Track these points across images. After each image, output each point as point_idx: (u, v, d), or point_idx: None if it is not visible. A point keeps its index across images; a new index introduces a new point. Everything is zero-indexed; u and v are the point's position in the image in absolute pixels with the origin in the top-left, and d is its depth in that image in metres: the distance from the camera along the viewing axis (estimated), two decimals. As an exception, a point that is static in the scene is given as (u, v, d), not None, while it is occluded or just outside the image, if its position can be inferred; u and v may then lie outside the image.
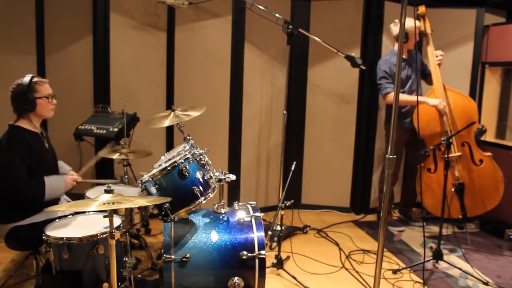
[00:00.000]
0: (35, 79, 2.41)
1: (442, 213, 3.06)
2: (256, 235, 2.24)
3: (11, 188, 2.28)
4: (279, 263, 3.02)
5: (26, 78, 2.39)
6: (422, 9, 3.63)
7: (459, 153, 3.53)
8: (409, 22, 3.56)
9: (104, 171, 3.65)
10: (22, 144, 2.33)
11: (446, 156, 3.03)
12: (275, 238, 3.30)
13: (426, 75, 3.85)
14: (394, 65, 3.63)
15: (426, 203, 3.64)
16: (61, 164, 2.77)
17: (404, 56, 3.72)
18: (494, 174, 3.52)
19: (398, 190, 4.24)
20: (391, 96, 3.59)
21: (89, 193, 2.71)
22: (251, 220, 2.31)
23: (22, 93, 2.35)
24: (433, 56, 3.61)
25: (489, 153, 3.55)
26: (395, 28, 3.66)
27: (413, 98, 3.64)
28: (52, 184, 2.36)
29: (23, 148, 2.32)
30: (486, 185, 3.53)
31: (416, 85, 3.73)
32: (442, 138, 3.07)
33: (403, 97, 3.65)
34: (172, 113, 2.94)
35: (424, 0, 3.71)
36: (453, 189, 3.48)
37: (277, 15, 3.31)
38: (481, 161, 3.53)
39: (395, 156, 1.99)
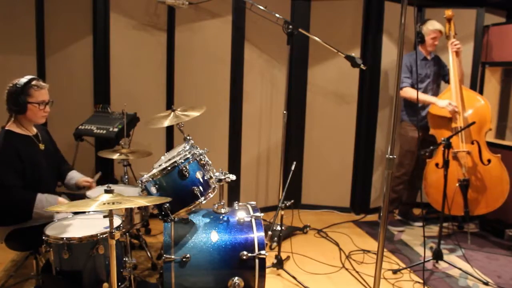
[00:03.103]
0: (33, 83, 2.33)
1: (442, 213, 3.06)
2: (256, 235, 2.24)
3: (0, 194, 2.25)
4: (279, 263, 3.02)
5: (23, 80, 2.32)
6: (448, 12, 3.68)
7: (467, 149, 3.54)
8: (428, 25, 3.66)
9: (105, 172, 3.64)
10: (12, 151, 2.28)
11: (446, 155, 3.03)
12: (275, 238, 3.30)
13: (445, 80, 3.89)
14: (415, 61, 3.72)
15: (430, 198, 3.65)
16: (72, 175, 2.70)
17: (426, 56, 3.78)
18: (500, 175, 3.52)
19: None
20: (405, 91, 3.68)
21: (89, 193, 2.71)
22: (251, 220, 2.31)
23: (15, 95, 2.29)
24: (452, 52, 3.65)
25: (498, 155, 3.56)
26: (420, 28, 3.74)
27: (423, 96, 3.70)
28: (43, 202, 2.28)
29: (13, 156, 2.27)
30: (492, 185, 3.53)
31: (432, 86, 3.81)
32: (442, 138, 3.07)
33: (415, 94, 3.65)
34: (172, 113, 2.94)
35: (424, 0, 3.71)
36: (457, 184, 3.49)
37: (277, 15, 3.31)
38: (489, 161, 3.54)
39: (395, 156, 1.99)
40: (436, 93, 3.84)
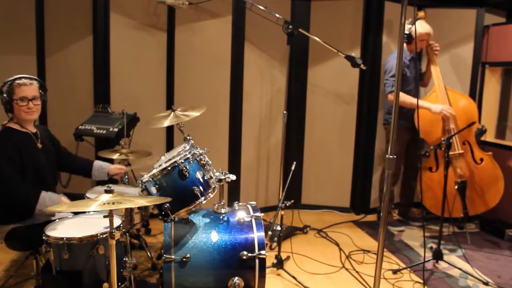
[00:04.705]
0: (17, 81, 2.33)
1: (442, 213, 3.06)
2: (256, 235, 2.24)
3: (1, 187, 2.26)
4: (279, 263, 3.02)
5: (8, 78, 2.34)
6: (421, 14, 3.70)
7: (462, 151, 3.55)
8: (419, 27, 3.58)
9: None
10: (10, 145, 2.30)
11: (447, 155, 3.03)
12: (275, 238, 3.30)
13: (420, 81, 3.92)
14: (403, 62, 3.67)
15: (427, 202, 3.66)
16: (99, 164, 2.77)
17: (413, 56, 3.73)
18: (494, 172, 3.56)
19: (398, 190, 4.24)
20: (393, 96, 3.60)
21: (89, 193, 2.71)
22: (251, 220, 2.31)
23: (1, 93, 2.33)
24: (432, 52, 3.66)
25: (489, 152, 3.59)
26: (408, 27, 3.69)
27: (415, 101, 3.61)
28: (46, 200, 2.28)
29: (12, 149, 2.29)
30: (487, 183, 3.56)
31: (415, 87, 3.77)
32: (443, 138, 3.08)
33: (408, 99, 3.60)
34: (172, 113, 2.94)
35: (424, 0, 3.71)
36: (456, 187, 3.50)
37: (277, 15, 3.31)
38: (481, 159, 3.58)
39: (395, 156, 1.99)
40: (414, 95, 3.76)
